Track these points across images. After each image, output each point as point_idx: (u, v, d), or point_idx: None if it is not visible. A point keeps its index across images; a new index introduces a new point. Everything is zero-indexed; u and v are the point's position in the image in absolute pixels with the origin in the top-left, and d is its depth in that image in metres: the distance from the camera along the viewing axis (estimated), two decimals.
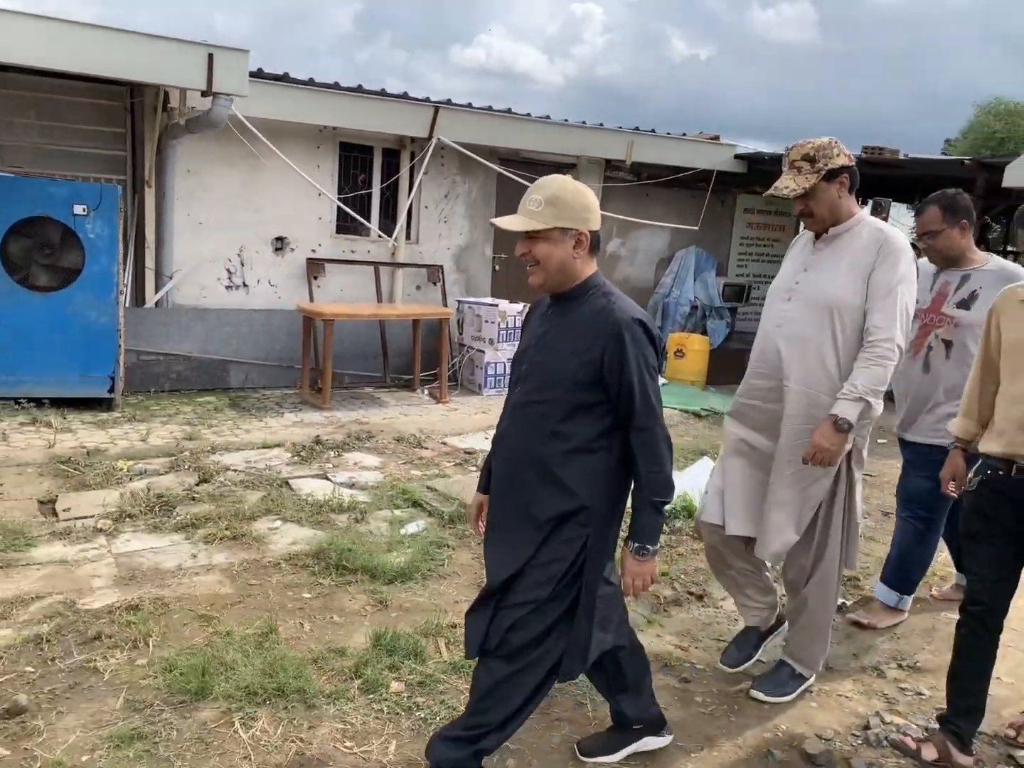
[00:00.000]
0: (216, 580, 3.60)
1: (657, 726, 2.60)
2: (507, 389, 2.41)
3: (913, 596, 3.65)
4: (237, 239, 7.56)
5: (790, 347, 2.76)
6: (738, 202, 10.80)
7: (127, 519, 4.19)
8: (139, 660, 2.91)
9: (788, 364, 2.76)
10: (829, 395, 2.70)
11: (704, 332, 9.89)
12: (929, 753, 2.62)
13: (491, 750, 2.31)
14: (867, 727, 2.83)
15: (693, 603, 3.75)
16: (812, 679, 3.05)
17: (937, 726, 2.74)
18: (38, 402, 6.00)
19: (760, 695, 2.96)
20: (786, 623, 3.10)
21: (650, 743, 2.59)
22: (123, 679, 2.78)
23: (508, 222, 2.18)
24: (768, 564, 3.07)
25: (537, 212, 2.12)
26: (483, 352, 7.87)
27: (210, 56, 5.62)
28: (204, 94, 5.87)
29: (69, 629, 3.08)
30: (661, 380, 8.57)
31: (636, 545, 2.22)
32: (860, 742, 2.76)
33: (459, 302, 8.33)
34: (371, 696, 2.76)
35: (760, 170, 9.74)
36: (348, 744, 2.52)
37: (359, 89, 7.90)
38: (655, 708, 2.60)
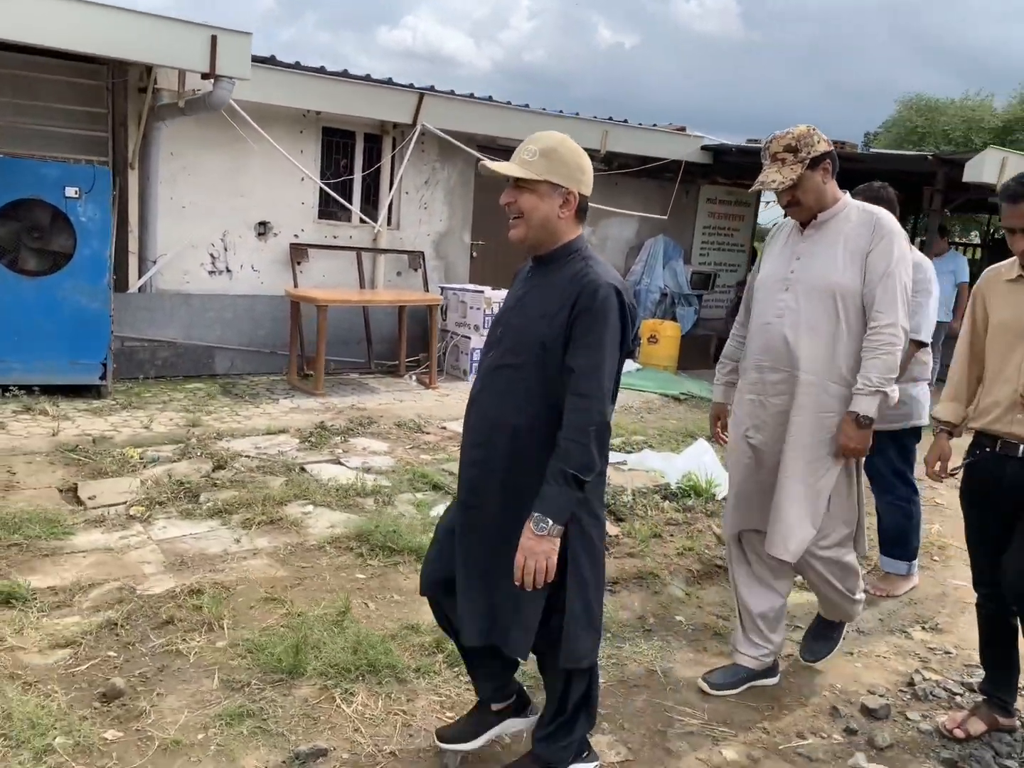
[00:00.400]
0: (266, 564, 3.64)
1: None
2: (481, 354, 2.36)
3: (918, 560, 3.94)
4: (220, 223, 7.46)
5: (798, 336, 2.72)
6: (701, 192, 11.09)
7: (157, 506, 4.17)
8: (219, 642, 2.95)
9: (798, 353, 2.71)
10: (838, 383, 2.70)
11: (674, 318, 10.16)
12: (977, 727, 2.76)
13: (590, 727, 2.36)
14: (911, 683, 3.08)
15: (722, 576, 3.95)
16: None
17: (972, 681, 3.00)
18: (28, 389, 5.85)
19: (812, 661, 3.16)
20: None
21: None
22: (210, 660, 2.82)
23: (499, 167, 2.10)
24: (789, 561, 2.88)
25: (530, 162, 2.05)
26: (468, 338, 7.95)
27: (213, 38, 5.53)
28: (205, 76, 5.78)
29: (139, 614, 3.09)
30: (635, 365, 8.89)
31: (536, 515, 1.97)
32: (909, 697, 3.01)
33: (442, 288, 8.38)
34: (456, 669, 2.86)
35: (724, 161, 10.05)
36: (449, 714, 2.63)
37: (344, 74, 7.85)
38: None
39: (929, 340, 3.61)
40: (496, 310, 7.85)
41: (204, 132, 7.09)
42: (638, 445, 6.04)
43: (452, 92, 8.51)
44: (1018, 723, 2.83)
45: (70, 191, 5.76)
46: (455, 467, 5.07)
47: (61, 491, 4.33)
